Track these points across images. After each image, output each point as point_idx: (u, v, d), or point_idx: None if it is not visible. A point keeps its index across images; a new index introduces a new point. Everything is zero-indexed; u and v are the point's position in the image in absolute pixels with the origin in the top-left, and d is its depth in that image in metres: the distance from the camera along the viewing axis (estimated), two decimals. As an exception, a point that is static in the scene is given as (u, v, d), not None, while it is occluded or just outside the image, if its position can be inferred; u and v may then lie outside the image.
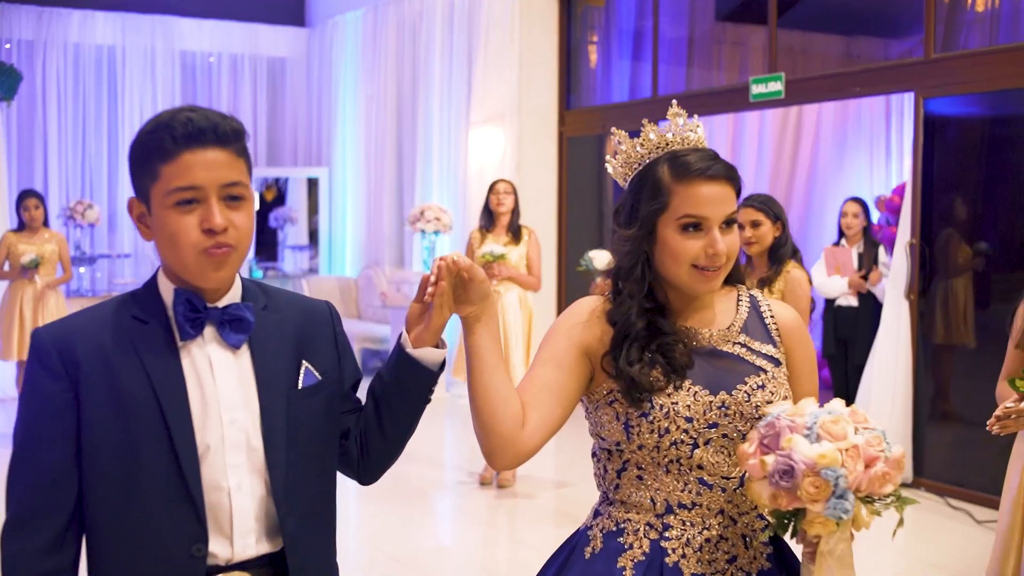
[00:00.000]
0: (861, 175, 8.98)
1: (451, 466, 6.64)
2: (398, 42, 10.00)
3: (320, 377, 1.69)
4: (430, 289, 1.66)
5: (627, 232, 1.80)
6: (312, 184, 11.42)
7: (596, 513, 1.88)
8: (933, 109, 5.85)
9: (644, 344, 1.77)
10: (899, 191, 6.67)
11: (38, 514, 1.56)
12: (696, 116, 1.85)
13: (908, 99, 6.04)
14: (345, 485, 1.82)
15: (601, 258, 5.60)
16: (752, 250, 4.08)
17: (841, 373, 6.55)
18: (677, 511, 1.78)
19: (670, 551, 1.76)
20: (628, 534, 1.79)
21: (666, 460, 1.76)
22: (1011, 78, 5.47)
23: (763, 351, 1.83)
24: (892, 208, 6.80)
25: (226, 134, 1.55)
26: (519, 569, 4.74)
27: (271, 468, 1.61)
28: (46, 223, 7.49)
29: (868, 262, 6.42)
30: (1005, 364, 2.97)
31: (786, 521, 1.62)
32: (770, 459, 1.58)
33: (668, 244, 1.77)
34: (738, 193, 1.80)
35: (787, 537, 1.67)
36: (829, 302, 6.56)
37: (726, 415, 1.75)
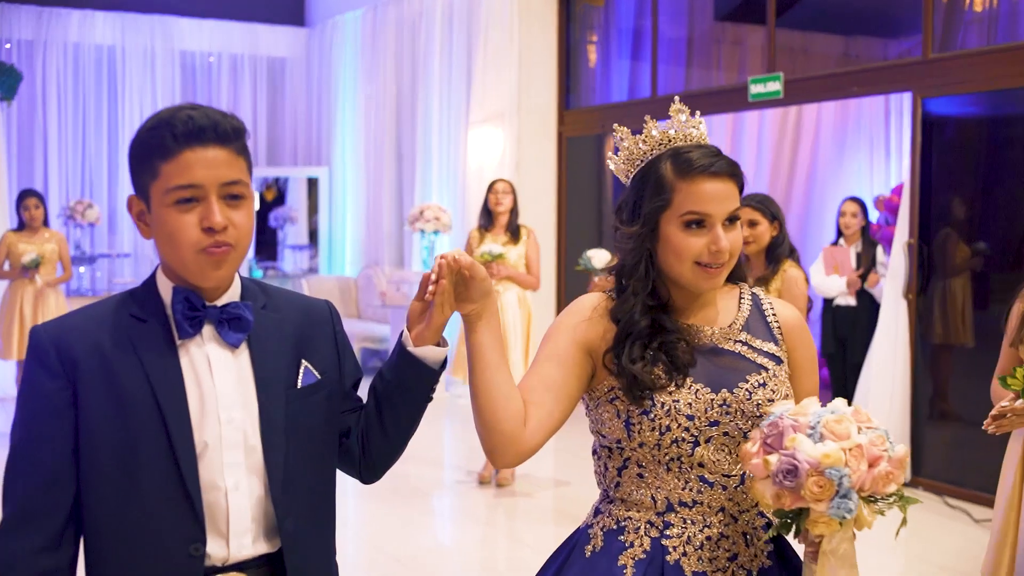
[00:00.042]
0: (860, 175, 8.99)
1: (450, 465, 6.64)
2: (397, 42, 10.01)
3: (319, 376, 1.68)
4: (431, 287, 1.65)
5: (630, 229, 1.79)
6: (312, 184, 11.43)
7: (596, 511, 1.87)
8: (931, 109, 5.85)
9: (646, 342, 1.76)
10: (898, 191, 6.68)
11: (36, 513, 1.55)
12: (699, 112, 1.85)
13: (907, 99, 6.05)
14: (344, 484, 1.81)
15: (599, 257, 5.61)
16: (749, 249, 4.09)
17: (840, 373, 6.56)
18: (678, 509, 1.77)
19: (671, 549, 1.76)
20: (629, 532, 1.79)
21: (667, 458, 1.76)
22: (1009, 78, 5.48)
23: (765, 349, 1.83)
24: (891, 208, 6.81)
25: (227, 132, 1.54)
26: (518, 568, 4.75)
27: (269, 468, 1.60)
28: (46, 223, 7.49)
29: (866, 262, 6.43)
30: (999, 362, 2.98)
31: (789, 521, 1.62)
32: (774, 459, 1.58)
33: (671, 241, 1.76)
34: (741, 190, 1.80)
35: (789, 536, 1.67)
36: (827, 302, 6.56)
37: (727, 413, 1.75)
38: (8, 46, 10.27)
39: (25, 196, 7.44)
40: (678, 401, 1.74)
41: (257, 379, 1.61)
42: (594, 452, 1.88)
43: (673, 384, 1.75)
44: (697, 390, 1.75)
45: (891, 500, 1.60)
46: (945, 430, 6.03)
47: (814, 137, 9.26)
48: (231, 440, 1.58)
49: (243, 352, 1.62)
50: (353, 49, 10.71)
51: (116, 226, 10.77)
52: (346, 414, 1.76)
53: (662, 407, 1.74)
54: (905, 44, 7.20)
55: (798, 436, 1.57)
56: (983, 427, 2.75)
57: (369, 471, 1.78)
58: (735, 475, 1.77)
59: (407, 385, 1.70)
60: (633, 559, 1.77)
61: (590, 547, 1.82)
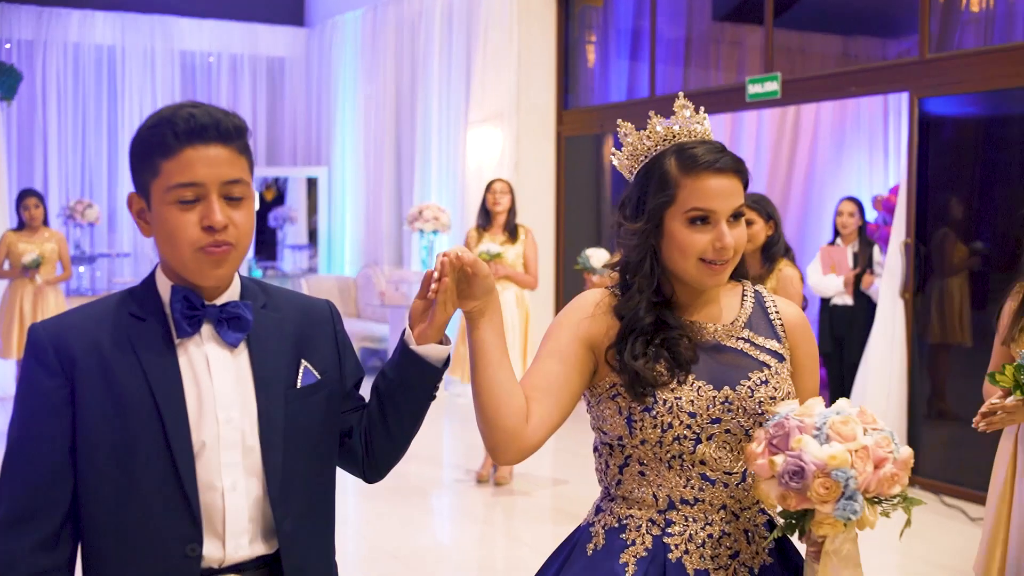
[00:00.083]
0: (859, 175, 9.00)
1: (448, 464, 6.65)
2: (397, 42, 10.02)
3: (319, 376, 1.67)
4: (433, 285, 1.64)
5: (634, 226, 1.79)
6: (311, 184, 11.44)
7: (598, 509, 1.87)
8: (928, 109, 5.87)
9: (649, 338, 1.76)
10: (896, 191, 6.69)
11: (33, 512, 1.54)
12: (703, 108, 1.84)
13: (904, 99, 6.07)
14: (343, 484, 1.81)
15: (598, 256, 5.62)
16: (745, 248, 4.10)
17: (837, 372, 6.58)
18: (679, 507, 1.77)
19: (672, 547, 1.76)
20: (630, 530, 1.79)
21: (668, 455, 1.75)
22: (1005, 78, 5.49)
23: (767, 346, 1.82)
24: (889, 208, 6.82)
25: (228, 131, 1.53)
26: (516, 566, 4.76)
27: (267, 468, 1.58)
28: (46, 222, 7.51)
29: (863, 261, 6.44)
30: (992, 360, 2.98)
31: (793, 521, 1.62)
32: (779, 460, 1.58)
33: (675, 237, 1.75)
34: (745, 186, 1.79)
35: (792, 535, 1.67)
36: (825, 301, 6.58)
37: (729, 410, 1.75)
38: (8, 46, 10.28)
39: (25, 196, 7.45)
40: (680, 398, 1.74)
41: (256, 379, 1.60)
42: (595, 449, 1.88)
43: (675, 381, 1.74)
44: (699, 387, 1.75)
45: (895, 501, 1.60)
46: (942, 429, 6.04)
47: (812, 137, 9.27)
48: (229, 440, 1.57)
49: (242, 352, 1.61)
50: (353, 49, 10.72)
51: (116, 226, 10.78)
52: (348, 414, 1.75)
53: (664, 404, 1.73)
54: (904, 44, 7.21)
55: (804, 437, 1.57)
56: (973, 424, 2.77)
57: (372, 470, 1.77)
58: (737, 472, 1.77)
59: (410, 384, 1.69)
60: (635, 557, 1.77)
61: (591, 545, 1.82)
